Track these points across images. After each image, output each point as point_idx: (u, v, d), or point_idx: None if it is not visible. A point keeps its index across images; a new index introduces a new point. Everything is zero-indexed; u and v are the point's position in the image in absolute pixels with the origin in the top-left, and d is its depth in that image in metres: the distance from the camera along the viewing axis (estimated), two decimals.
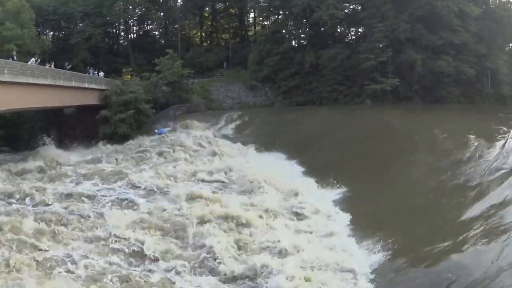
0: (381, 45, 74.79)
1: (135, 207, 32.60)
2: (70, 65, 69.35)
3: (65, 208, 31.48)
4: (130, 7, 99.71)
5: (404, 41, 73.40)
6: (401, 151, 42.80)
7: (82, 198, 34.29)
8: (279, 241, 24.71)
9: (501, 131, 44.11)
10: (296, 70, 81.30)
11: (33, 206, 32.74)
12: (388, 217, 28.87)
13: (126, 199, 34.31)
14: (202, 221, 27.84)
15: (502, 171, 32.26)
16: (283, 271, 21.09)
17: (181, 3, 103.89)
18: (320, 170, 40.70)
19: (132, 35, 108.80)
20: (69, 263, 23.25)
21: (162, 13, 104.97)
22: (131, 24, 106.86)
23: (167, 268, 23.00)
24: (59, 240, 26.08)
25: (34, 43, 73.05)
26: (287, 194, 34.13)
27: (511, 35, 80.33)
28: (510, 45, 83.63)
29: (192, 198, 32.57)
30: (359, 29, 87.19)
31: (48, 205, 32.95)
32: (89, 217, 29.85)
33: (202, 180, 39.83)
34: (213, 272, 22.52)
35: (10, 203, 33.54)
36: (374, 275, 21.41)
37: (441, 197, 30.30)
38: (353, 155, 44.89)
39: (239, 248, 24.55)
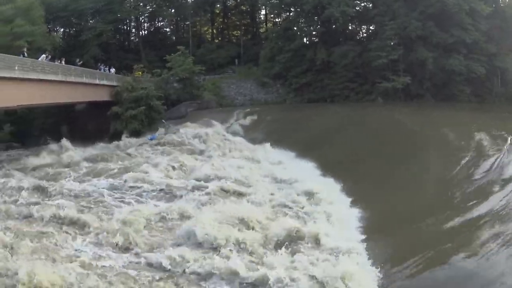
0: (392, 43, 74.97)
1: None
2: (81, 62, 69.58)
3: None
4: (141, 3, 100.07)
5: (415, 39, 73.23)
6: (412, 150, 42.55)
7: None
8: None
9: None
10: (307, 67, 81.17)
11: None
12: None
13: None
14: None
15: None
16: None
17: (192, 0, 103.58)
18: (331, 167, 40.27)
19: (143, 31, 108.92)
20: None
21: (173, 10, 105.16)
22: (142, 20, 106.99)
23: None
24: None
25: (45, 40, 73.29)
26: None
27: None
28: None
29: None
30: (370, 27, 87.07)
31: None
32: None
33: None
34: None
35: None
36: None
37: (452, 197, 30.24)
38: (364, 154, 44.57)
39: None
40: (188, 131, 55.98)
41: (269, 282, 18.70)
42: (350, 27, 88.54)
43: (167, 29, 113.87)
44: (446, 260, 21.16)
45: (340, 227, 25.65)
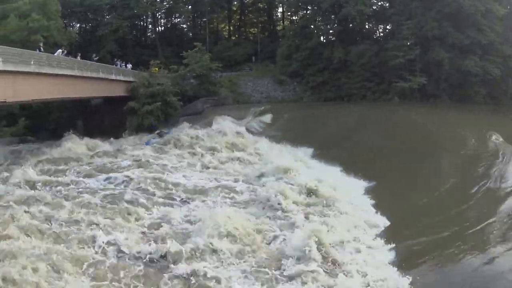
0: (409, 43, 74.46)
1: None
2: (97, 57, 69.85)
3: None
4: (158, 0, 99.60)
5: (432, 39, 72.80)
6: (430, 150, 42.46)
7: None
8: None
9: None
10: (324, 65, 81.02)
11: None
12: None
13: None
14: None
15: None
16: None
17: None
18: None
19: (160, 27, 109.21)
20: None
21: (190, 7, 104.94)
22: (159, 17, 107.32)
23: None
24: None
25: (61, 35, 73.36)
26: None
27: None
28: None
29: None
30: (387, 26, 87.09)
31: None
32: None
33: None
34: None
35: None
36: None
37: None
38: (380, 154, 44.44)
39: None
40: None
41: None
42: (367, 26, 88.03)
43: (184, 26, 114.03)
44: None
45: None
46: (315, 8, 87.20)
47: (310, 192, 30.97)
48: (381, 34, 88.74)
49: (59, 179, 35.80)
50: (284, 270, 21.12)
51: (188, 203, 30.83)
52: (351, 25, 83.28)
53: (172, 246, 22.31)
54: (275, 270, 21.16)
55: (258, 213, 28.35)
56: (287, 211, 28.24)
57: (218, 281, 20.16)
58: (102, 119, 66.86)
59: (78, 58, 57.49)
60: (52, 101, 61.62)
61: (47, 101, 59.14)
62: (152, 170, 38.35)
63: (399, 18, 76.19)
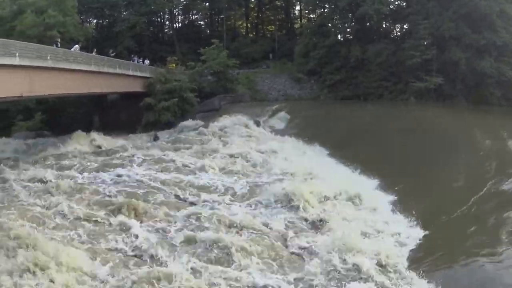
0: (425, 43, 74.19)
1: None
2: (114, 53, 70.17)
3: None
4: None
5: (449, 39, 72.40)
6: (447, 152, 42.28)
7: None
8: None
9: None
10: (341, 64, 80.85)
11: None
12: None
13: None
14: None
15: None
16: None
17: None
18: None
19: (177, 24, 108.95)
20: None
21: (207, 3, 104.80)
22: (176, 13, 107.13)
23: None
24: None
25: (77, 31, 73.97)
26: None
27: None
28: None
29: None
30: (404, 26, 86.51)
31: None
32: None
33: None
34: None
35: None
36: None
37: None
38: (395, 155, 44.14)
39: None
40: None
41: None
42: (384, 25, 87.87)
43: (201, 22, 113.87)
44: None
45: None
46: (333, 6, 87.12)
47: None
48: (398, 34, 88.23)
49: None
50: None
51: None
52: (368, 24, 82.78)
53: None
54: None
55: None
56: None
57: None
58: (118, 115, 67.19)
59: (94, 53, 57.75)
60: (68, 96, 61.72)
61: (63, 96, 59.24)
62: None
63: (416, 17, 75.94)
